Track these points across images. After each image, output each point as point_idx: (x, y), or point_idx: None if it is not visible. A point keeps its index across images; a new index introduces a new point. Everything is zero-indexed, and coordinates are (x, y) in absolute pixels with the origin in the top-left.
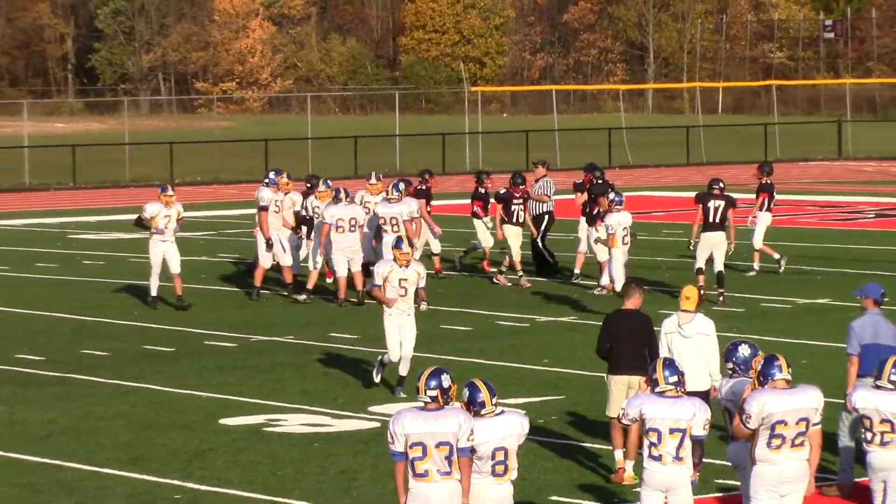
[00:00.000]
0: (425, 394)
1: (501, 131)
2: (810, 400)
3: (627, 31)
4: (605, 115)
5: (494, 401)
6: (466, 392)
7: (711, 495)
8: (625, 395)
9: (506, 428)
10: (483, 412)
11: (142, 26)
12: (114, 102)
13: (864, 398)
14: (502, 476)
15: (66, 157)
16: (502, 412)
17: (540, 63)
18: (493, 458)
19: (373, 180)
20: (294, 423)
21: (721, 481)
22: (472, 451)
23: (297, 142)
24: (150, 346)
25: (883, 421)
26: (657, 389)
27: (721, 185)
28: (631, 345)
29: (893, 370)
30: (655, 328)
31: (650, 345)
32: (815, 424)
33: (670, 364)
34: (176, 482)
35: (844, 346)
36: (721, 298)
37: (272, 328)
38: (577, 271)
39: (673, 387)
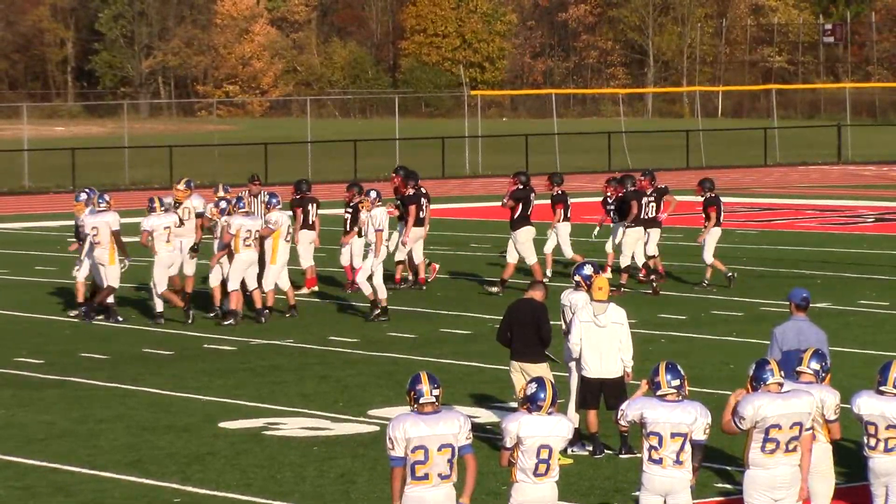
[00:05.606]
0: (430, 395)
1: (501, 135)
2: (804, 405)
3: (627, 34)
4: (605, 119)
5: (551, 409)
6: (533, 387)
7: (711, 499)
8: (522, 379)
9: (553, 427)
10: (536, 409)
11: (143, 30)
12: (113, 105)
13: (869, 404)
14: (544, 475)
15: (66, 161)
16: (551, 413)
17: (540, 67)
18: (537, 455)
19: (181, 186)
20: (293, 426)
21: (720, 485)
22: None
23: (297, 145)
24: (149, 349)
25: (889, 427)
26: (659, 393)
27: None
28: (527, 333)
29: None
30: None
31: (541, 331)
32: (807, 429)
33: (672, 368)
34: (175, 485)
35: (843, 350)
36: (732, 275)
37: (271, 331)
38: (549, 272)
39: (675, 391)
